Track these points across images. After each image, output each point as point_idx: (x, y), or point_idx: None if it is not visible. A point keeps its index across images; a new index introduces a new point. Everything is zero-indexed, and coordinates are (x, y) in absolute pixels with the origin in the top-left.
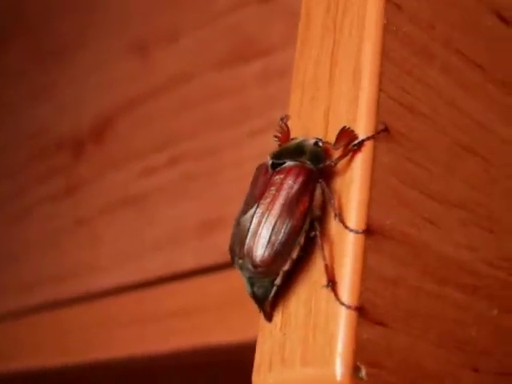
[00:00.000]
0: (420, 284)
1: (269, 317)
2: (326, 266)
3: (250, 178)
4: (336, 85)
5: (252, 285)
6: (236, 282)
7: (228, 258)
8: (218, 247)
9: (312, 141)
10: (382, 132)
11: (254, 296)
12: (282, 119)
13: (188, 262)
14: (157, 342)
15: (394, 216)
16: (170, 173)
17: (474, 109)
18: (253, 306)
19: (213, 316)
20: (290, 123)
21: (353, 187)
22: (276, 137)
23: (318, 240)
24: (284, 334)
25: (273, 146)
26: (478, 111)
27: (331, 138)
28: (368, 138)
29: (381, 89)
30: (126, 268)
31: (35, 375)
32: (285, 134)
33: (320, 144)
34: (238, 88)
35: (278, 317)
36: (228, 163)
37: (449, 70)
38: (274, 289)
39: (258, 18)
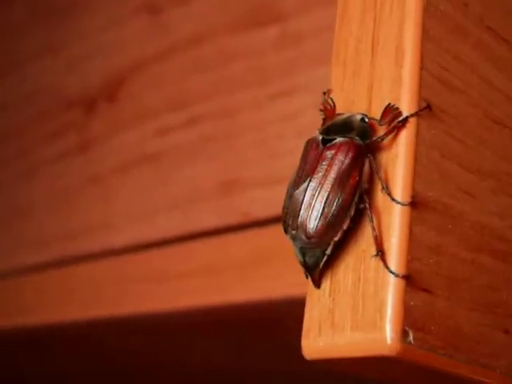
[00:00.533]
0: (458, 251)
1: (318, 284)
2: (376, 237)
3: (270, 142)
4: (378, 62)
5: (304, 254)
6: (256, 242)
7: (248, 218)
8: (237, 208)
9: (359, 116)
10: (424, 109)
11: (305, 265)
12: (324, 93)
13: (207, 222)
14: (172, 299)
15: (435, 188)
16: (186, 133)
17: (502, 82)
18: (276, 266)
19: (233, 275)
20: (333, 96)
21: (398, 162)
22: (321, 110)
23: (368, 212)
24: (333, 300)
25: (292, 111)
26: (506, 84)
27: (375, 112)
28: (412, 115)
29: (422, 67)
30: (141, 226)
31: (41, 331)
32: (330, 108)
33: (366, 120)
34: (254, 52)
35: (326, 284)
36: (246, 126)
37: (480, 46)
38: (325, 258)
39: None
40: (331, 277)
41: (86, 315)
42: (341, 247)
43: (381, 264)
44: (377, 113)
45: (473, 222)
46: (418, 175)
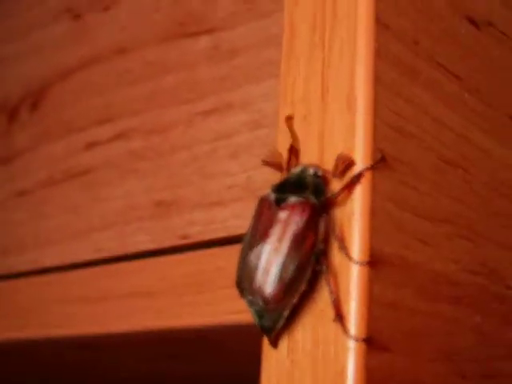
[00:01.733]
0: (415, 304)
1: (275, 344)
2: (334, 301)
3: (202, 161)
4: (329, 108)
5: (261, 317)
6: (193, 265)
7: (184, 241)
8: (173, 229)
9: (311, 171)
10: (379, 162)
11: (262, 327)
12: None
13: (142, 243)
14: (104, 322)
15: (392, 242)
16: (115, 148)
17: (454, 121)
18: (207, 291)
19: (169, 299)
20: (279, 141)
21: (354, 219)
22: (265, 162)
23: (325, 274)
24: (292, 361)
25: (225, 130)
26: (458, 123)
27: (327, 161)
28: (367, 169)
29: (375, 115)
30: (73, 245)
31: None
32: (276, 159)
33: (319, 174)
34: (185, 65)
35: (283, 344)
36: (179, 144)
37: (431, 84)
38: (282, 320)
39: None
40: (288, 337)
41: (11, 336)
42: (298, 307)
43: (340, 327)
44: (329, 162)
45: (428, 271)
46: (374, 231)
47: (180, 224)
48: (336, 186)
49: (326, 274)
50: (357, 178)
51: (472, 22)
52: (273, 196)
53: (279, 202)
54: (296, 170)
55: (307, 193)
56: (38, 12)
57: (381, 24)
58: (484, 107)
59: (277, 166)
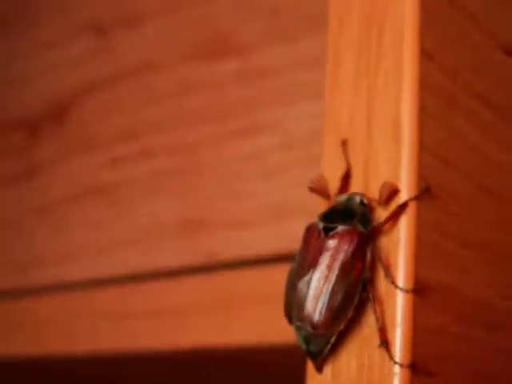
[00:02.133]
0: (456, 329)
1: (320, 369)
2: (380, 328)
3: (230, 182)
4: (375, 136)
5: (308, 343)
6: (222, 285)
7: (212, 259)
8: (200, 248)
9: (357, 199)
10: (424, 192)
11: (309, 352)
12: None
13: (168, 260)
14: (127, 339)
15: (435, 269)
16: (140, 166)
17: (490, 148)
18: (236, 309)
19: (195, 318)
20: (325, 169)
21: (400, 247)
22: (311, 189)
23: (371, 301)
24: None
25: (253, 151)
26: (493, 150)
27: (371, 189)
28: (412, 199)
29: (422, 145)
30: (96, 260)
31: None
32: (323, 188)
33: (365, 201)
34: (213, 85)
35: (327, 368)
36: (207, 163)
37: (469, 113)
38: (329, 346)
39: (233, 12)
40: (333, 362)
41: (31, 350)
42: (344, 333)
43: (385, 353)
44: (374, 190)
45: (468, 298)
46: (419, 259)
47: (207, 243)
48: (381, 214)
49: (372, 302)
50: (402, 208)
51: (505, 50)
52: (321, 224)
53: (327, 231)
54: (342, 198)
55: (354, 221)
56: (61, 27)
57: (425, 55)
58: None
59: (323, 193)
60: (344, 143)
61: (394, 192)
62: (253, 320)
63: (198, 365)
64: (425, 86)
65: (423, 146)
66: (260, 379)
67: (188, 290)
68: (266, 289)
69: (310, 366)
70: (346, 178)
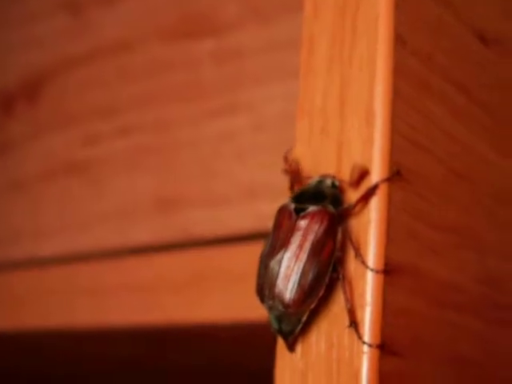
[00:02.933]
0: (425, 311)
1: (292, 348)
2: (349, 309)
3: (206, 160)
4: (348, 121)
5: (280, 322)
6: (195, 262)
7: (187, 236)
8: (176, 226)
9: (328, 181)
10: (395, 175)
11: (281, 332)
12: (286, 155)
13: (144, 237)
14: (101, 315)
15: (406, 251)
16: (116, 143)
17: (463, 134)
18: (211, 286)
19: (169, 295)
20: (297, 151)
21: (371, 228)
22: (286, 171)
23: (341, 281)
24: (306, 363)
25: (230, 131)
26: (466, 136)
27: (344, 171)
28: (383, 181)
29: (394, 129)
30: (72, 237)
31: None
32: (295, 169)
33: (336, 183)
34: (190, 64)
35: (297, 347)
36: (182, 141)
37: (443, 98)
38: (301, 325)
39: None
40: (303, 340)
41: (6, 326)
42: (315, 312)
43: (354, 333)
44: (347, 173)
45: (438, 280)
46: (390, 240)
47: (182, 221)
48: (352, 195)
49: (342, 281)
50: (372, 190)
51: (481, 39)
52: (292, 205)
53: (299, 212)
54: (313, 180)
55: (325, 202)
56: (37, 4)
57: (399, 40)
58: (491, 121)
59: (295, 176)
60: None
61: (364, 174)
62: (226, 297)
63: (171, 341)
64: (398, 71)
65: (396, 130)
66: (234, 357)
67: (163, 267)
68: (239, 266)
69: (280, 345)
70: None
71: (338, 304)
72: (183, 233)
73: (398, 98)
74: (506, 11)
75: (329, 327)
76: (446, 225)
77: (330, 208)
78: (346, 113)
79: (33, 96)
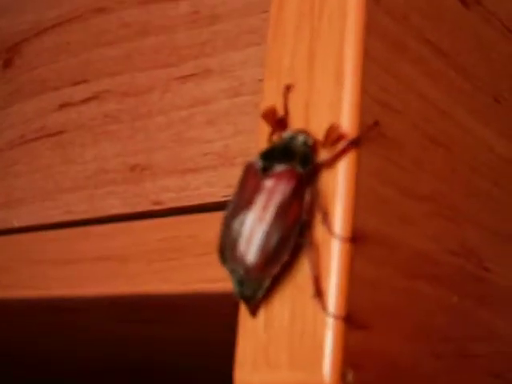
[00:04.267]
0: (395, 282)
1: (254, 313)
2: (314, 278)
3: (177, 127)
4: (316, 79)
5: (241, 285)
6: (166, 232)
7: (157, 207)
8: (147, 193)
9: (301, 138)
10: (372, 128)
11: (243, 296)
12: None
13: (114, 207)
14: (74, 284)
15: (374, 218)
16: (89, 110)
17: (439, 98)
18: (179, 258)
19: (139, 264)
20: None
21: (337, 193)
22: (264, 116)
23: (306, 248)
24: (268, 335)
25: (202, 96)
26: (443, 100)
27: (312, 131)
28: (356, 141)
29: (363, 90)
30: (44, 205)
31: None
32: (274, 119)
33: (309, 142)
34: (165, 28)
35: (260, 317)
36: (156, 108)
37: (418, 61)
38: (263, 290)
39: None
40: (266, 310)
41: None
42: (277, 279)
43: (319, 304)
44: (315, 132)
45: (409, 250)
46: (357, 207)
47: (153, 189)
48: (324, 156)
49: (308, 247)
50: (347, 148)
51: (463, 1)
52: (260, 163)
53: (265, 170)
54: (285, 135)
55: (294, 161)
56: None
57: None
58: (469, 86)
59: (272, 124)
60: (287, 88)
61: (341, 136)
62: (198, 267)
63: (144, 312)
64: (371, 29)
65: (366, 91)
66: (206, 327)
67: (134, 236)
68: (210, 236)
69: (242, 314)
70: (282, 125)
71: (304, 274)
72: (154, 202)
73: (369, 57)
74: None
75: (292, 297)
76: (419, 192)
77: (298, 168)
78: (314, 71)
79: (7, 62)
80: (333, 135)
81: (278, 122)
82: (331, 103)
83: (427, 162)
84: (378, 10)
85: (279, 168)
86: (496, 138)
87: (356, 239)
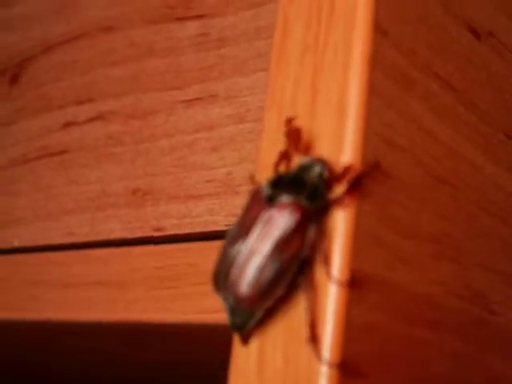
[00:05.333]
0: (392, 327)
1: (245, 342)
2: (310, 322)
3: (181, 152)
4: (318, 113)
5: (233, 314)
6: (166, 259)
7: (159, 231)
8: (149, 219)
9: (317, 169)
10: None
11: (233, 324)
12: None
13: (115, 231)
14: (70, 309)
15: (373, 261)
16: (93, 130)
17: (447, 134)
18: (177, 287)
19: (137, 291)
20: (263, 146)
21: (336, 235)
22: (286, 134)
23: (305, 286)
24: (260, 381)
25: (207, 121)
26: (450, 136)
27: None
28: (362, 175)
29: (367, 126)
30: (44, 226)
31: None
32: (296, 134)
33: (324, 175)
34: (171, 50)
35: (252, 361)
36: (160, 131)
37: (427, 96)
38: (254, 320)
39: None
40: (258, 354)
41: None
42: (270, 312)
43: (313, 350)
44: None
45: (410, 294)
46: (356, 249)
47: (154, 215)
48: (338, 192)
49: (307, 287)
50: (354, 186)
51: (473, 31)
52: (266, 191)
53: (271, 199)
54: (303, 161)
55: (303, 194)
56: None
57: (379, 30)
58: (479, 122)
59: (294, 143)
60: (289, 121)
61: (348, 170)
62: (199, 295)
63: (142, 338)
64: (377, 63)
65: (369, 127)
66: (205, 356)
67: (134, 262)
68: (210, 265)
69: (235, 357)
70: (285, 158)
71: (298, 312)
72: (155, 228)
73: (374, 92)
74: (500, 4)
75: (286, 340)
76: (422, 233)
77: (304, 202)
78: (317, 105)
79: (14, 78)
80: (350, 174)
81: (298, 144)
82: (333, 138)
83: (432, 201)
84: (386, 43)
85: (285, 199)
86: (506, 176)
87: (354, 283)
